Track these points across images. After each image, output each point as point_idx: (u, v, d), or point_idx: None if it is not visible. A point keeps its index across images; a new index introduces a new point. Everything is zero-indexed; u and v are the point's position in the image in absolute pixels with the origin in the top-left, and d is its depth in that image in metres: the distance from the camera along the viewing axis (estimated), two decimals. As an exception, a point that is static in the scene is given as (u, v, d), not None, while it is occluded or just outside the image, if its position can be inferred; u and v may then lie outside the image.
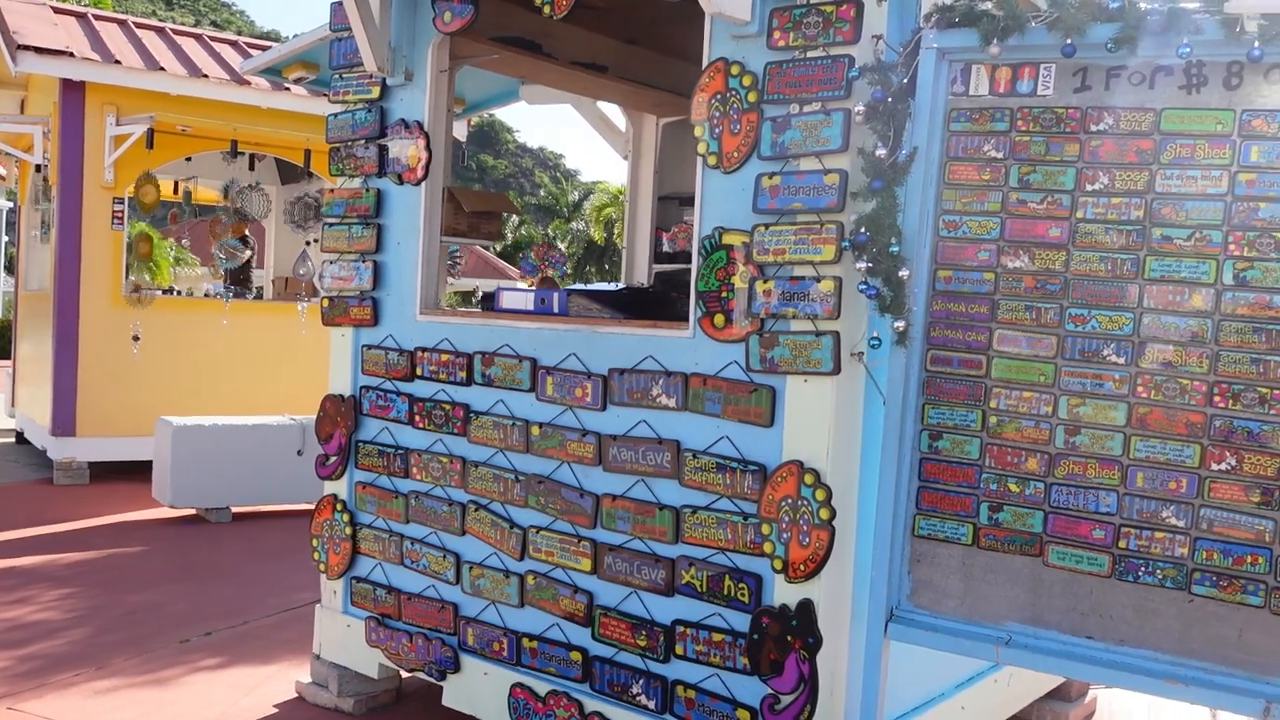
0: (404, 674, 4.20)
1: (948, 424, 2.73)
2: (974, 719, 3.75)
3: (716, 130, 3.14)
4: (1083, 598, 2.59)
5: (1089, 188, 2.58)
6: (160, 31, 9.68)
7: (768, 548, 2.99)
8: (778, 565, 2.97)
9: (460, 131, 9.21)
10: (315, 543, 4.34)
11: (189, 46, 9.41)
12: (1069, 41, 2.53)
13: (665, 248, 5.65)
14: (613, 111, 6.04)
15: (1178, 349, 2.48)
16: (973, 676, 3.71)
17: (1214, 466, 2.45)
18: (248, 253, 9.79)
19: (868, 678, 2.80)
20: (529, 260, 5.00)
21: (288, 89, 8.54)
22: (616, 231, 31.16)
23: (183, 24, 24.90)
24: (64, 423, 8.47)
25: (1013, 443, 2.66)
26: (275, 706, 4.22)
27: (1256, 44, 2.34)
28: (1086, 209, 2.58)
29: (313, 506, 4.40)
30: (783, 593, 2.99)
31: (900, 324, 2.69)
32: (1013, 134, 2.66)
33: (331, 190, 4.32)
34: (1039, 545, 2.64)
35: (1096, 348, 2.57)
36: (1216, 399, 2.45)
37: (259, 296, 10.49)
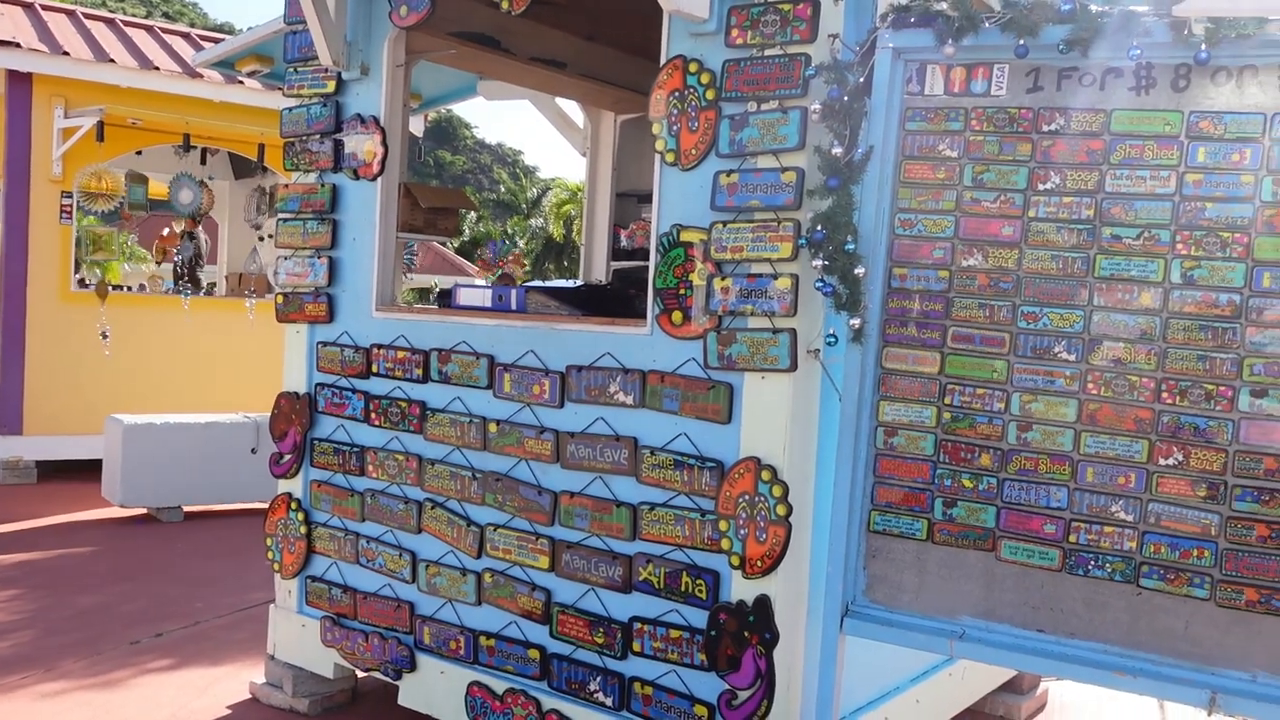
0: (360, 674, 4.17)
1: (903, 420, 2.76)
2: (928, 712, 3.79)
3: (675, 127, 3.14)
4: (1034, 591, 2.63)
5: (1041, 187, 2.61)
6: (110, 23, 9.51)
7: (725, 544, 3.01)
8: (735, 561, 2.99)
9: (417, 127, 9.15)
10: (269, 542, 4.29)
11: (140, 38, 9.26)
12: (1022, 43, 2.56)
13: (623, 244, 5.64)
14: (571, 108, 6.03)
15: (1127, 346, 2.52)
16: (927, 670, 3.75)
17: (1162, 462, 2.49)
18: (189, 249, 9.61)
19: (824, 672, 2.81)
20: (498, 248, 4.92)
21: (241, 82, 8.42)
22: (575, 228, 31.12)
23: (134, 15, 24.47)
24: (10, 420, 8.30)
25: (966, 439, 2.69)
26: (228, 708, 4.17)
27: (1203, 47, 2.39)
28: (1039, 208, 2.61)
29: (267, 505, 4.35)
30: (740, 589, 3.00)
31: (856, 321, 2.71)
32: (967, 133, 2.69)
33: (286, 185, 4.27)
34: (992, 540, 2.67)
35: (1048, 345, 2.60)
36: (1164, 395, 2.49)
37: (210, 293, 10.34)
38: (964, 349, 2.69)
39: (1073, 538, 2.58)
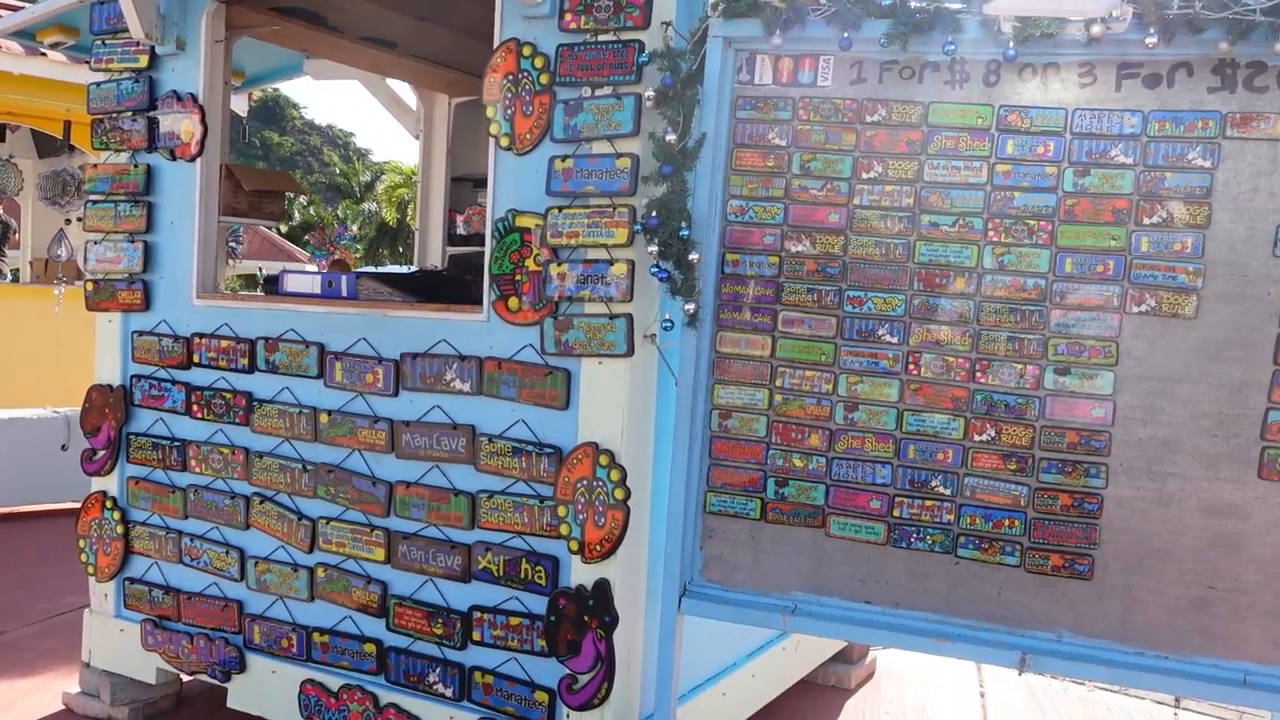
0: (185, 677, 4.00)
1: (736, 403, 2.82)
2: (765, 685, 3.91)
3: (509, 111, 3.11)
4: (862, 565, 2.74)
5: (865, 176, 2.71)
6: (-110, -16, 8.72)
7: (564, 529, 3.01)
8: (574, 547, 2.99)
9: (241, 106, 8.74)
10: (82, 543, 4.05)
11: (-74, 3, 8.53)
12: (845, 35, 2.65)
13: (459, 230, 5.57)
14: (403, 90, 5.90)
15: (945, 328, 2.65)
16: (763, 645, 3.86)
17: (976, 438, 2.63)
18: None
19: (663, 652, 2.86)
20: (316, 250, 4.80)
21: (44, 54, 7.87)
22: (410, 213, 30.47)
23: (-81, -22, 22.50)
24: None
25: (797, 420, 2.78)
26: (39, 721, 3.94)
27: (1011, 44, 2.52)
28: (863, 196, 2.71)
29: (79, 505, 4.11)
30: (579, 573, 3.01)
31: (691, 306, 2.75)
32: (795, 123, 2.76)
33: (95, 165, 4.03)
34: (821, 517, 2.77)
35: (872, 328, 2.71)
36: (978, 375, 2.63)
37: (15, 280, 9.66)
38: (794, 333, 2.77)
39: (896, 512, 2.70)
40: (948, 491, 2.66)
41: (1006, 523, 2.61)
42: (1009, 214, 2.59)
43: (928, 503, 2.68)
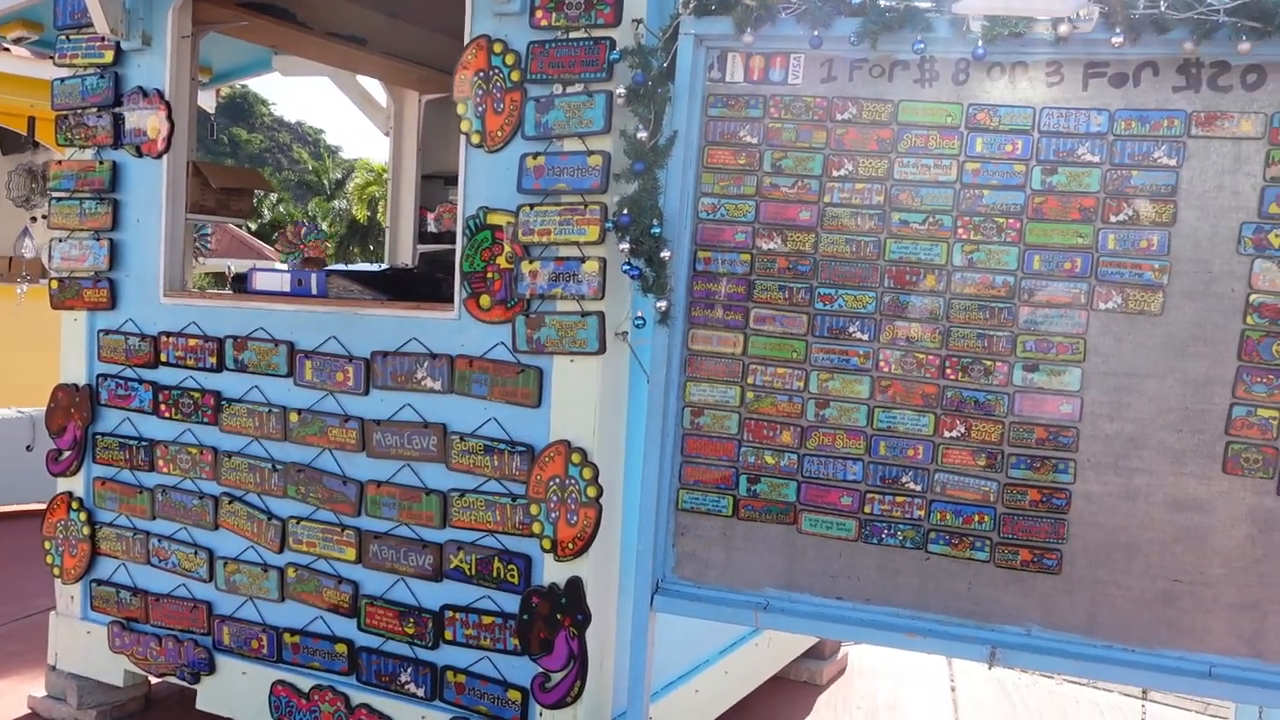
0: (153, 680, 3.96)
1: (708, 400, 2.83)
2: (737, 682, 3.92)
3: (480, 108, 3.10)
4: (833, 561, 2.75)
5: (835, 174, 2.72)
6: None
7: (536, 528, 3.01)
8: (546, 545, 2.99)
9: (208, 102, 8.65)
10: (48, 545, 4.00)
11: (-115, -3, 8.39)
12: (816, 34, 2.66)
13: (430, 228, 5.54)
14: (373, 86, 5.86)
15: (915, 326, 2.67)
16: (735, 642, 3.87)
17: (946, 434, 2.65)
18: None
19: (635, 650, 2.86)
20: (289, 253, 4.76)
21: (7, 49, 7.76)
22: (380, 210, 30.29)
23: (-122, -28, 22.10)
24: None
25: (769, 417, 2.78)
26: (4, 725, 3.89)
27: (980, 43, 2.54)
28: (833, 194, 2.72)
29: (45, 506, 4.06)
30: (552, 571, 3.01)
31: (663, 304, 2.75)
32: (766, 120, 2.77)
33: (60, 162, 3.98)
34: (793, 514, 2.78)
35: (843, 325, 2.72)
36: (948, 371, 2.65)
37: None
38: (765, 330, 2.78)
39: (867, 508, 2.72)
40: (918, 488, 2.68)
41: (976, 518, 2.63)
42: (978, 212, 2.61)
43: (898, 499, 2.69)
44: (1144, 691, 3.82)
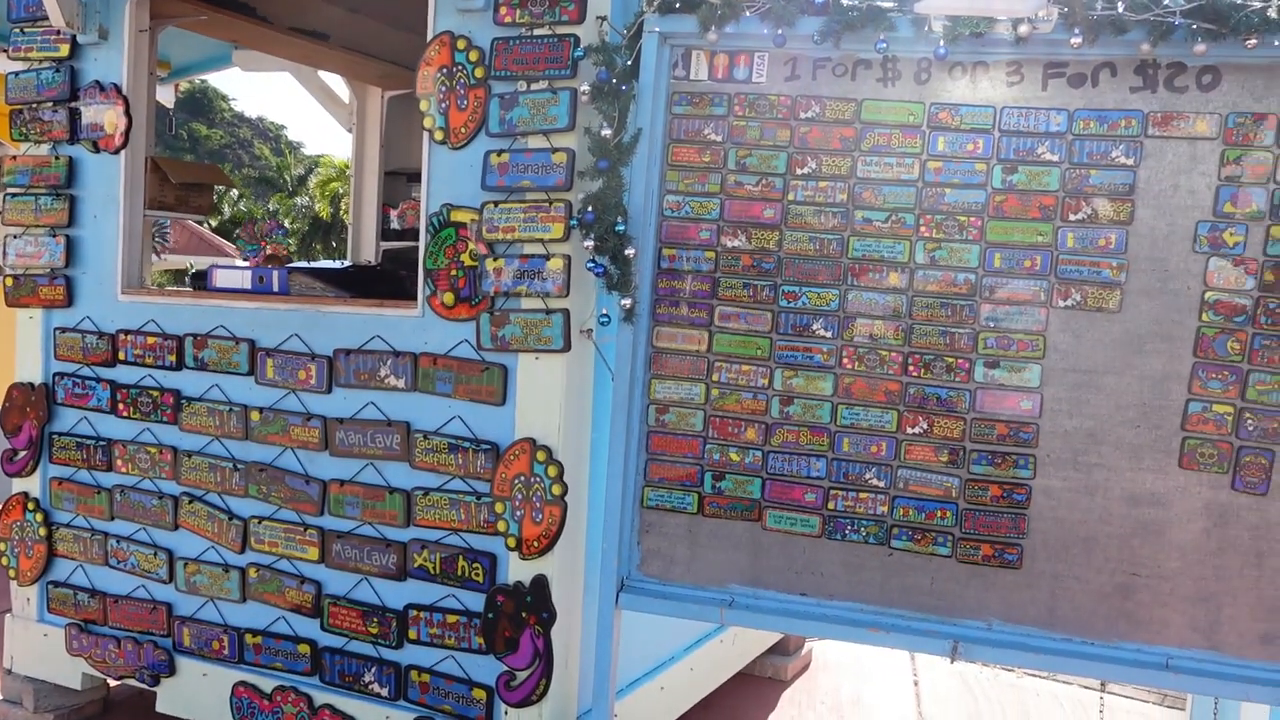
0: (112, 683, 3.91)
1: (673, 398, 2.83)
2: (702, 678, 3.93)
3: (443, 105, 3.08)
4: (797, 557, 2.76)
5: (799, 172, 2.73)
6: None
7: (501, 526, 3.00)
8: (511, 543, 2.98)
9: (167, 97, 8.55)
10: (3, 546, 3.93)
11: None
12: (780, 32, 2.67)
13: (394, 225, 5.51)
14: (336, 82, 5.81)
15: (878, 323, 2.69)
16: (700, 639, 3.89)
17: (909, 430, 2.67)
18: None
19: (600, 648, 2.86)
20: (247, 245, 4.71)
21: (-41, 42, 7.62)
22: (343, 207, 30.04)
23: None
24: None
25: (733, 414, 2.79)
26: (-42, 730, 3.82)
27: (942, 43, 2.56)
28: (797, 192, 2.73)
29: (0, 507, 4.00)
30: (517, 570, 3.00)
31: (627, 301, 2.75)
32: (730, 118, 2.78)
33: (14, 157, 3.91)
34: (758, 510, 2.79)
35: (807, 322, 2.73)
36: (911, 369, 2.67)
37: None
38: (730, 327, 2.79)
39: (831, 505, 2.73)
40: (881, 484, 2.70)
41: (938, 514, 2.66)
42: (940, 210, 2.63)
43: (862, 495, 2.71)
44: (1102, 684, 3.88)
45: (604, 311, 2.86)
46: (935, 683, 4.74)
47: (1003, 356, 2.60)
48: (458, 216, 3.07)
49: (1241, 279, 2.45)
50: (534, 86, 2.95)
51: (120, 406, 3.69)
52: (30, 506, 3.88)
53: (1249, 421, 2.46)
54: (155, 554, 3.63)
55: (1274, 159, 2.43)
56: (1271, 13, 2.35)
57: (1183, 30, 2.40)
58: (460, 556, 3.10)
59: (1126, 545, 2.54)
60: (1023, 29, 2.49)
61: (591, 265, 2.76)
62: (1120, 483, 2.54)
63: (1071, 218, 2.55)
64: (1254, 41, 2.36)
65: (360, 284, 3.83)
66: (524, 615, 2.98)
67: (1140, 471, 2.52)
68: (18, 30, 3.84)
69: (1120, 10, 2.43)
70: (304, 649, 3.36)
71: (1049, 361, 2.57)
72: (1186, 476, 2.50)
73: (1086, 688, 4.62)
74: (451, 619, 3.12)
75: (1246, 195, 2.44)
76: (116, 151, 3.70)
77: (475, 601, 3.08)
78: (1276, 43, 2.36)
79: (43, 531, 3.85)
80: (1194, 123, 2.47)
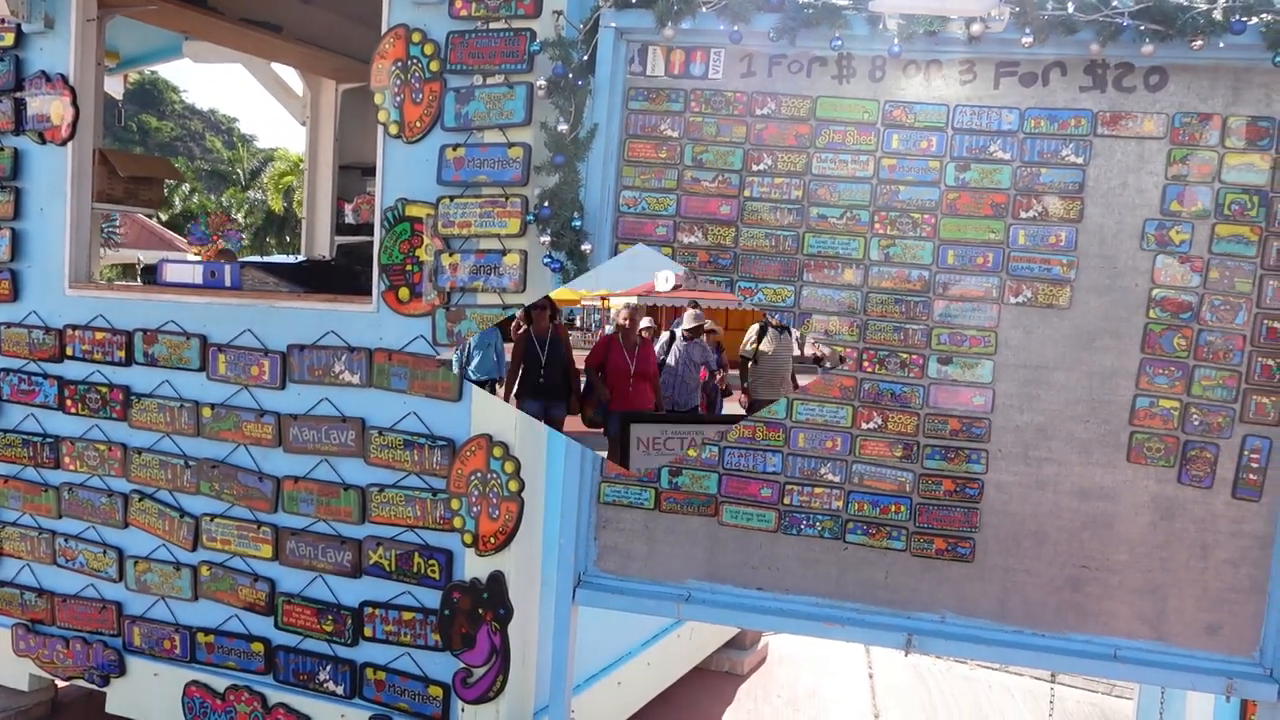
0: (60, 683, 3.84)
1: (630, 394, 2.83)
2: (659, 673, 3.94)
3: (398, 99, 3.06)
4: (754, 552, 2.78)
5: (755, 168, 2.74)
6: None
7: (458, 522, 2.98)
8: (468, 539, 2.97)
9: (116, 88, 8.39)
10: (-54, 546, 3.85)
11: None
12: (736, 29, 2.67)
13: (348, 219, 5.45)
14: (289, 74, 5.74)
15: (833, 319, 2.70)
16: (658, 634, 3.90)
17: (864, 426, 2.69)
18: None
19: (557, 644, 2.85)
20: (200, 229, 4.64)
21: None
22: (297, 201, 29.67)
23: None
24: None
25: (690, 410, 2.80)
26: (-100, 734, 3.73)
27: (896, 41, 2.58)
28: (753, 188, 2.74)
29: (-58, 506, 3.91)
30: (474, 566, 2.99)
31: (584, 297, 2.75)
32: (687, 114, 2.78)
33: (-44, 148, 3.82)
34: (715, 506, 2.79)
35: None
36: (865, 364, 2.69)
37: None
38: (687, 323, 2.79)
39: (787, 500, 2.75)
40: (837, 479, 2.72)
41: (893, 508, 2.68)
42: (894, 207, 2.65)
43: (817, 490, 2.73)
44: (1053, 675, 3.93)
45: (561, 307, 2.85)
46: (890, 675, 4.79)
47: (955, 352, 2.63)
48: (413, 211, 3.05)
49: (1188, 276, 2.50)
50: (490, 81, 2.93)
51: (68, 403, 3.62)
52: (-26, 505, 3.80)
53: (1194, 416, 2.51)
54: (105, 552, 3.58)
55: (1219, 159, 2.47)
56: (1216, 15, 2.39)
57: (1131, 31, 2.44)
58: (416, 553, 3.08)
59: (1076, 539, 2.58)
60: (975, 28, 2.52)
61: (548, 261, 2.75)
62: (1070, 477, 2.58)
63: (1023, 215, 2.58)
64: (1200, 43, 2.41)
65: (314, 279, 3.79)
66: (481, 612, 2.96)
67: (1089, 466, 2.57)
68: (-40, 18, 3.75)
69: (1070, 11, 2.46)
70: (257, 647, 3.32)
71: (1001, 357, 2.61)
72: (1134, 470, 2.54)
73: (1037, 679, 4.69)
74: (407, 616, 3.10)
75: (1193, 194, 2.49)
76: (63, 143, 3.63)
77: (431, 598, 3.07)
78: (1221, 45, 2.41)
79: (-13, 531, 3.78)
80: (1142, 122, 2.51)
